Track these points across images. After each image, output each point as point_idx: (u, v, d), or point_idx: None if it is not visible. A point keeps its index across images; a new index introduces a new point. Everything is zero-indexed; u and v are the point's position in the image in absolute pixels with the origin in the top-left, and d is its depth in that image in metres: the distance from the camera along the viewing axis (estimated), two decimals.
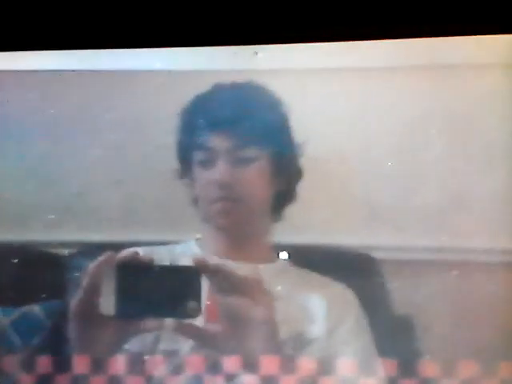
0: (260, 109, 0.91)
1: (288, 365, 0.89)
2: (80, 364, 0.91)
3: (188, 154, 0.91)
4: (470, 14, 0.82)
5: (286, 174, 0.91)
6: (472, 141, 0.87)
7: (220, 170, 0.90)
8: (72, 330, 0.90)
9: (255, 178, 0.91)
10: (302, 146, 0.89)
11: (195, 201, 0.92)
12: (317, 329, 0.90)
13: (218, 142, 0.90)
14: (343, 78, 0.89)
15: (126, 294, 0.89)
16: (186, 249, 0.93)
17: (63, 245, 0.93)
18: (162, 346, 0.91)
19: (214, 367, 0.90)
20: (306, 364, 0.89)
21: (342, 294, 0.90)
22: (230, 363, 0.90)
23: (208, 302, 0.90)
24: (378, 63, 0.88)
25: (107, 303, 0.88)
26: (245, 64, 0.89)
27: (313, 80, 0.90)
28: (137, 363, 0.91)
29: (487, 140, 0.88)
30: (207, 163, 0.91)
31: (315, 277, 0.90)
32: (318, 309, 0.90)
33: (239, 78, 0.89)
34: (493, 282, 0.86)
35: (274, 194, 0.91)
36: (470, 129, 0.88)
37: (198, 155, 0.91)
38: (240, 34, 0.87)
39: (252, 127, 0.90)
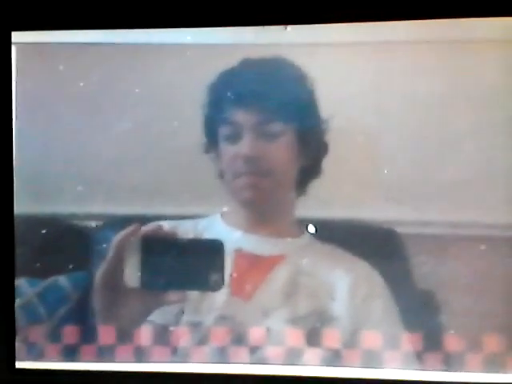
0: (286, 84, 0.91)
1: (312, 338, 0.91)
2: (106, 334, 0.93)
3: (214, 128, 0.92)
4: None
5: (311, 149, 0.91)
6: (496, 116, 0.87)
7: (246, 145, 0.91)
8: (97, 301, 0.92)
9: (281, 152, 0.92)
10: (328, 121, 0.90)
11: (221, 175, 0.93)
12: (340, 305, 0.91)
13: (243, 116, 0.91)
14: (369, 53, 0.89)
15: (150, 267, 0.90)
16: (210, 223, 0.93)
17: (90, 217, 0.93)
18: (186, 317, 0.92)
19: (239, 339, 0.91)
20: (331, 337, 0.90)
21: (367, 272, 0.90)
22: (255, 335, 0.91)
23: (234, 275, 0.91)
24: (404, 38, 0.88)
25: (132, 275, 0.90)
26: (274, 38, 0.89)
27: (339, 55, 0.90)
28: (162, 334, 0.92)
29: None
30: (233, 138, 0.92)
31: (340, 253, 0.91)
32: (343, 286, 0.91)
33: (267, 53, 0.90)
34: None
35: (299, 168, 0.92)
36: (494, 104, 0.88)
37: (224, 130, 0.92)
38: (268, 13, 0.88)
39: (278, 102, 0.90)
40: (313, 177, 0.91)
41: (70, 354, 0.93)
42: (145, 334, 0.92)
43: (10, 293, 0.93)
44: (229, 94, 0.91)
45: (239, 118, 0.91)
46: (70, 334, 0.93)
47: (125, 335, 0.92)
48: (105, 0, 0.88)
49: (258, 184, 0.92)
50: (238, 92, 0.91)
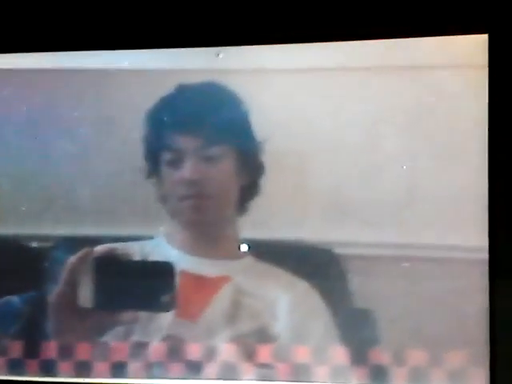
0: (222, 108, 0.93)
1: (249, 354, 0.91)
2: (48, 350, 0.94)
3: (155, 154, 0.94)
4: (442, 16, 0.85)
5: (249, 170, 0.93)
6: (419, 140, 0.88)
7: (188, 169, 0.93)
8: (50, 322, 0.94)
9: (222, 174, 0.93)
10: (263, 143, 0.91)
11: (163, 199, 0.95)
12: (281, 324, 0.91)
13: (184, 142, 0.93)
14: (303, 77, 0.90)
15: (102, 288, 0.92)
16: (156, 245, 0.95)
17: (39, 239, 0.96)
18: (134, 337, 0.94)
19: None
20: (265, 353, 0.91)
21: (306, 292, 0.91)
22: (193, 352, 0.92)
23: (180, 296, 0.92)
24: (339, 63, 0.89)
25: (85, 296, 0.92)
26: (207, 64, 0.91)
27: (272, 80, 0.91)
28: (103, 351, 0.94)
29: (451, 138, 0.87)
30: (175, 163, 0.93)
31: (280, 273, 0.92)
32: (283, 305, 0.92)
33: (202, 78, 0.92)
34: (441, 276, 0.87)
35: (239, 188, 0.93)
36: (435, 127, 0.88)
37: (166, 155, 0.94)
38: (203, 36, 0.90)
39: (216, 126, 0.92)
40: (252, 196, 0.92)
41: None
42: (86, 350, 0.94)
43: None
44: (167, 120, 0.93)
45: (180, 144, 0.93)
46: (15, 349, 0.96)
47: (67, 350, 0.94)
48: (45, 24, 0.92)
49: (201, 206, 0.94)
50: (177, 118, 0.93)
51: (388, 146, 0.88)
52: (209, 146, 0.93)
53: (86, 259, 0.93)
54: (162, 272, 0.92)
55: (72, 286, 0.93)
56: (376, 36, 0.88)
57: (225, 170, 0.93)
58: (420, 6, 0.86)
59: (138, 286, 0.92)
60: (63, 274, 0.93)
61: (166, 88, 0.92)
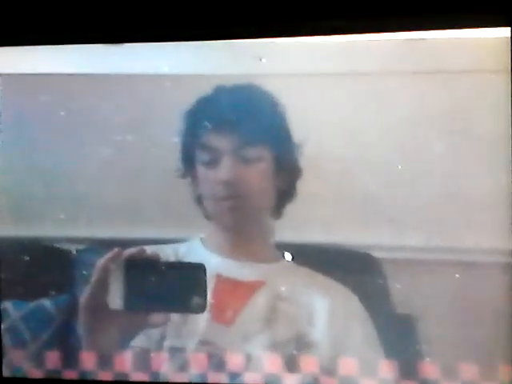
0: (260, 110, 0.92)
1: (290, 364, 0.90)
2: (87, 360, 0.94)
3: (191, 153, 0.93)
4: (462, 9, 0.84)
5: (286, 173, 0.92)
6: (467, 141, 0.87)
7: (225, 169, 0.92)
8: (81, 325, 0.94)
9: (259, 176, 0.92)
10: (301, 147, 0.90)
11: (199, 199, 0.94)
12: (319, 331, 0.90)
13: (221, 141, 0.92)
14: (341, 81, 0.90)
15: (133, 290, 0.92)
16: (190, 248, 0.94)
17: (72, 241, 0.95)
18: (168, 342, 0.93)
19: (218, 365, 0.91)
20: (309, 363, 0.89)
21: (346, 298, 0.90)
22: (234, 361, 0.91)
23: (214, 300, 0.92)
24: (374, 67, 0.89)
25: (115, 298, 0.91)
26: (248, 68, 0.91)
27: (312, 84, 0.91)
28: (143, 360, 0.93)
29: (481, 141, 0.87)
30: (211, 162, 0.93)
31: (319, 278, 0.91)
32: (321, 311, 0.91)
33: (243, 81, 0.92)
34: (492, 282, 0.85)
35: (275, 192, 0.93)
36: (463, 130, 0.88)
37: (202, 155, 0.93)
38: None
39: (253, 127, 0.92)
40: (288, 200, 0.92)
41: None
42: (126, 360, 0.93)
43: None
44: (205, 120, 0.92)
45: (216, 143, 0.92)
46: (53, 358, 0.95)
47: (106, 361, 0.94)
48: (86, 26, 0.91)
49: (238, 207, 0.93)
50: (214, 118, 0.93)
51: (432, 149, 0.88)
52: (246, 147, 0.92)
53: (116, 260, 0.92)
54: (193, 273, 0.91)
55: (102, 287, 0.92)
56: (394, 28, 0.87)
57: (262, 172, 0.92)
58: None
59: (169, 287, 0.92)
60: (93, 276, 0.92)
61: (205, 90, 0.92)
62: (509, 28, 0.84)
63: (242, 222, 0.94)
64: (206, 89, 0.92)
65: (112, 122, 0.94)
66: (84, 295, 0.93)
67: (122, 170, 0.95)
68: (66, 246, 0.95)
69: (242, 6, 0.88)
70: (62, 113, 0.95)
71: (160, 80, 0.93)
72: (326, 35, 0.88)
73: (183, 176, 0.94)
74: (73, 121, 0.95)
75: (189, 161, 0.93)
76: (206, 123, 0.92)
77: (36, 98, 0.95)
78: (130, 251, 0.92)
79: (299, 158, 0.91)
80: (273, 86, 0.91)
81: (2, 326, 0.96)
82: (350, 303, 0.90)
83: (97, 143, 0.94)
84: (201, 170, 0.93)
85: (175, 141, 0.93)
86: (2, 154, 0.96)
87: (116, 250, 0.93)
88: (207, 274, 0.91)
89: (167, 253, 0.94)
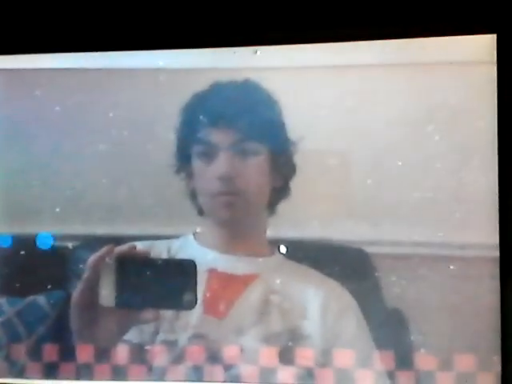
0: (257, 106, 0.93)
1: (285, 356, 0.92)
2: (84, 353, 0.94)
3: (187, 148, 0.94)
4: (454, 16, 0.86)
5: (282, 171, 0.93)
6: (466, 137, 0.89)
7: (221, 164, 0.92)
8: (74, 321, 0.94)
9: (255, 171, 0.93)
10: (297, 143, 0.91)
11: (193, 195, 0.94)
12: (312, 324, 0.92)
13: (218, 136, 0.93)
14: (338, 75, 0.91)
15: (124, 286, 0.92)
16: (184, 244, 0.95)
17: (67, 238, 0.96)
18: (161, 336, 0.94)
19: (213, 357, 0.92)
20: (303, 356, 0.91)
21: (339, 292, 0.92)
22: (229, 354, 0.92)
23: (208, 294, 0.93)
24: (372, 61, 0.90)
25: (107, 295, 0.92)
26: (244, 62, 0.92)
27: (308, 78, 0.91)
28: (138, 353, 0.94)
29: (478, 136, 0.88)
30: (207, 157, 0.93)
31: (312, 273, 0.92)
32: (314, 305, 0.92)
33: (238, 76, 0.92)
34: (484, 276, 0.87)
35: (270, 189, 0.94)
36: (462, 126, 0.89)
37: (198, 149, 0.94)
38: (240, 35, 0.90)
39: (250, 123, 0.92)
40: (283, 197, 0.93)
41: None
42: (122, 353, 0.94)
43: None
44: (202, 115, 0.93)
45: (213, 138, 0.93)
46: (50, 351, 0.95)
47: (103, 354, 0.94)
48: (78, 23, 0.91)
49: (232, 203, 0.94)
50: (211, 113, 0.93)
51: (430, 144, 0.89)
52: (243, 141, 0.92)
53: (107, 257, 0.92)
54: (183, 270, 0.92)
55: (93, 284, 0.92)
56: (385, 36, 0.89)
57: (258, 168, 0.93)
58: (427, 5, 0.87)
59: (160, 284, 0.92)
60: (85, 273, 0.93)
61: (201, 86, 0.92)
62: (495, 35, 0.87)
63: (237, 218, 0.94)
64: (201, 83, 0.92)
65: (107, 118, 0.94)
66: (75, 292, 0.93)
67: (117, 166, 0.95)
68: (61, 243, 0.95)
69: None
70: (57, 108, 0.95)
71: (156, 74, 0.93)
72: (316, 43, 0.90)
73: (177, 171, 0.94)
74: (68, 117, 0.95)
75: (184, 156, 0.94)
76: (203, 118, 0.93)
77: (32, 92, 0.95)
78: (121, 248, 0.93)
79: (295, 155, 0.92)
80: (268, 80, 0.91)
81: None
82: (343, 297, 0.91)
83: (92, 139, 0.95)
84: (197, 165, 0.94)
85: (171, 136, 0.93)
86: None
87: (107, 247, 0.93)
88: (200, 269, 0.92)
89: (160, 249, 0.95)
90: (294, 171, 0.92)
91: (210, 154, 0.93)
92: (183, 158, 0.94)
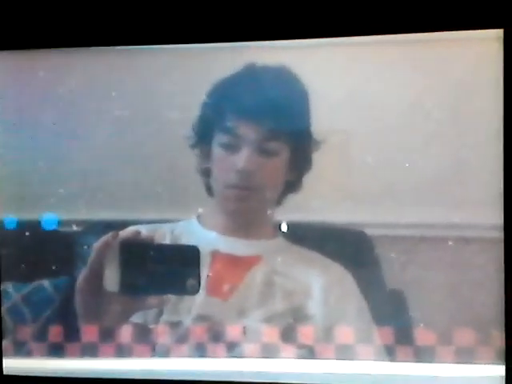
0: (289, 99, 0.92)
1: (287, 334, 0.94)
2: (88, 333, 0.96)
3: (210, 128, 0.93)
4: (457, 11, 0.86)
5: (298, 167, 0.93)
6: (465, 115, 0.89)
7: (242, 159, 0.93)
8: (79, 305, 0.95)
9: (274, 170, 0.94)
10: (320, 143, 0.92)
11: (205, 173, 0.95)
12: (315, 305, 0.94)
13: (245, 130, 0.92)
14: (340, 52, 0.91)
15: (128, 272, 0.93)
16: (187, 226, 0.96)
17: (72, 222, 0.96)
18: (165, 318, 0.96)
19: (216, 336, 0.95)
20: (305, 333, 0.93)
21: (340, 273, 0.93)
22: (232, 333, 0.94)
23: (211, 275, 0.94)
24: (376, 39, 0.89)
25: (111, 280, 0.93)
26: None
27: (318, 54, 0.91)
28: (143, 333, 0.95)
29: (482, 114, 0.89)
30: (230, 148, 0.93)
31: (314, 255, 0.94)
32: (317, 287, 0.94)
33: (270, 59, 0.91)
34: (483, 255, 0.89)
35: (283, 185, 0.94)
36: (461, 103, 0.89)
37: (223, 139, 0.93)
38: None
39: (279, 120, 0.92)
40: (294, 191, 0.93)
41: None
42: (126, 333, 0.96)
43: None
44: (232, 101, 0.93)
45: (240, 131, 0.93)
46: (55, 333, 0.97)
47: (108, 334, 0.96)
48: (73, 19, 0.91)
49: (245, 196, 0.94)
50: (242, 103, 0.93)
51: (428, 124, 0.89)
52: (268, 140, 0.92)
53: (112, 243, 0.93)
54: (187, 255, 0.93)
55: (98, 270, 0.93)
56: (391, 31, 0.88)
57: (277, 166, 0.93)
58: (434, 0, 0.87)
59: (164, 269, 0.93)
60: (89, 258, 0.94)
61: (232, 67, 0.91)
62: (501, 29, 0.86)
63: (245, 210, 0.95)
64: (234, 63, 0.91)
65: (110, 99, 0.94)
66: (80, 277, 0.94)
67: (122, 149, 0.95)
68: (66, 228, 0.96)
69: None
70: (61, 89, 0.94)
71: (161, 54, 0.93)
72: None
73: (193, 146, 0.94)
74: (71, 97, 0.94)
75: (205, 134, 0.94)
76: (233, 107, 0.92)
77: (35, 73, 0.94)
78: (125, 234, 0.94)
79: (314, 154, 0.92)
80: (279, 58, 0.90)
81: (4, 307, 0.97)
82: (344, 278, 0.93)
83: (96, 121, 0.94)
84: (217, 151, 0.94)
85: (175, 117, 0.93)
86: (1, 133, 0.96)
87: (111, 232, 0.94)
88: (203, 251, 0.93)
89: (163, 232, 0.95)
90: (310, 167, 0.93)
91: (233, 146, 0.93)
92: (203, 136, 0.94)
